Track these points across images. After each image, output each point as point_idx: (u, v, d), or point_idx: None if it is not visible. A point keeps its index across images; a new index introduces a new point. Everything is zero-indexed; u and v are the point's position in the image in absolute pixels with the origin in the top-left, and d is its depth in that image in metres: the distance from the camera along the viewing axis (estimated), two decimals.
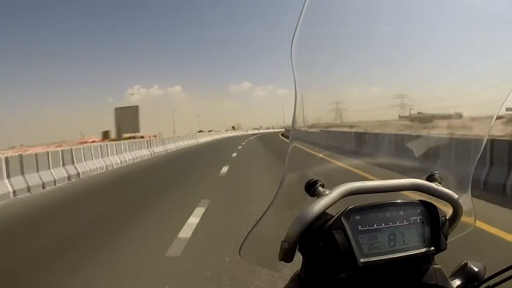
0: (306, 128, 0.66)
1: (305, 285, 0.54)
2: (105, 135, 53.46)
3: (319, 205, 0.53)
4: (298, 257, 0.56)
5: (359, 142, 8.83)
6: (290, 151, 0.60)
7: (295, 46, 0.55)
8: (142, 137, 35.23)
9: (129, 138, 31.44)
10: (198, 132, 46.03)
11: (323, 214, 0.53)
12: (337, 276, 0.53)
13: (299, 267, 0.56)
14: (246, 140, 27.51)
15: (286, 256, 0.55)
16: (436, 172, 0.61)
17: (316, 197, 0.55)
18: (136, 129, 48.13)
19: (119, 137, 44.03)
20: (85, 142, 29.90)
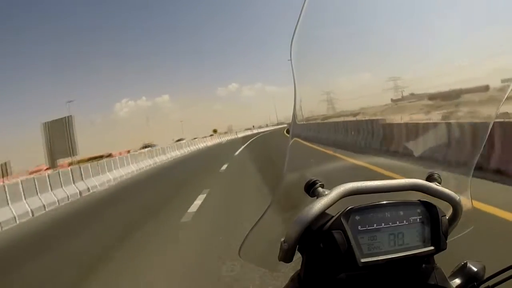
0: (305, 122, 0.67)
1: (305, 285, 0.54)
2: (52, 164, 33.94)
3: (319, 205, 0.53)
4: (298, 257, 0.56)
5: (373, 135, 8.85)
6: (290, 148, 0.60)
7: (295, 45, 0.55)
8: (110, 155, 28.93)
9: (95, 158, 23.66)
10: (177, 141, 37.96)
11: (322, 214, 0.53)
12: (337, 276, 0.53)
13: (299, 267, 0.56)
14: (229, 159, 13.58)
15: (286, 256, 0.55)
16: (436, 172, 0.61)
17: (315, 197, 0.55)
18: (73, 151, 33.61)
19: (52, 164, 32.63)
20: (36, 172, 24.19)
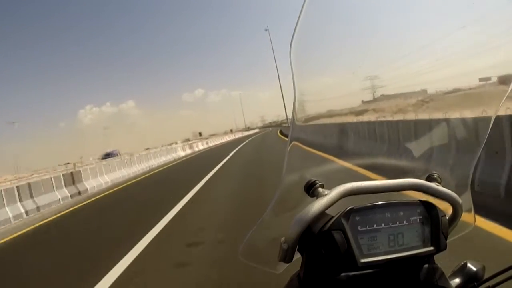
0: (305, 124, 0.66)
1: (304, 285, 0.54)
2: None
3: (319, 205, 0.52)
4: (298, 257, 0.56)
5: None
6: (289, 151, 0.60)
7: (294, 45, 0.55)
8: None
9: None
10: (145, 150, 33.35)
11: (322, 215, 0.53)
12: (337, 276, 0.53)
13: (299, 267, 0.56)
14: None
15: (286, 256, 0.55)
16: (436, 172, 0.61)
17: (315, 197, 0.55)
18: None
19: None
20: None
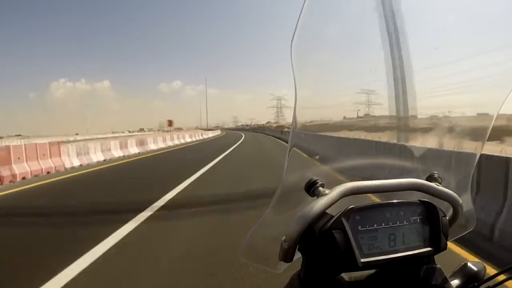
0: (305, 133, 0.64)
1: (305, 285, 0.54)
2: None
3: (319, 205, 0.52)
4: (298, 257, 0.56)
5: None
6: (290, 151, 0.59)
7: (295, 45, 0.54)
8: None
9: None
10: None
11: (323, 214, 0.53)
12: (337, 276, 0.53)
13: (299, 267, 0.56)
14: None
15: (286, 256, 0.55)
16: (436, 172, 0.61)
17: (316, 197, 0.55)
18: None
19: None
20: None
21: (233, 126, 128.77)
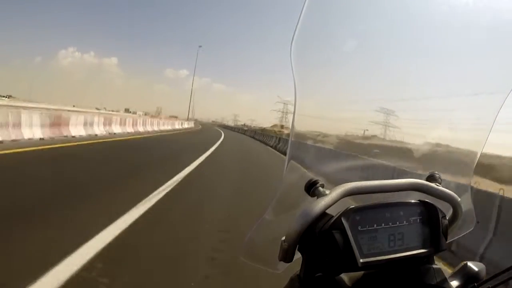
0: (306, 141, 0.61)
1: (305, 285, 0.54)
2: None
3: (319, 205, 0.53)
4: (298, 257, 0.56)
5: None
6: (290, 151, 0.59)
7: (294, 46, 0.54)
8: None
9: None
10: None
11: (323, 214, 0.53)
12: (337, 276, 0.53)
13: (299, 267, 0.57)
14: None
15: (286, 256, 0.55)
16: (436, 172, 0.61)
17: (316, 197, 0.55)
18: None
19: None
20: None
21: (233, 124, 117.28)
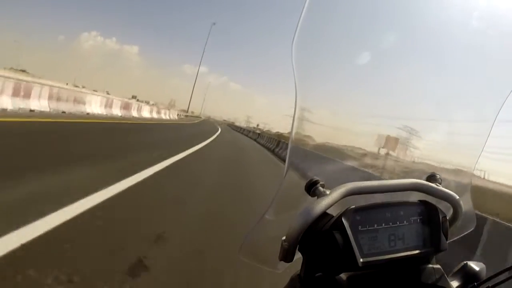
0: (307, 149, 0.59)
1: (305, 285, 0.54)
2: None
3: (320, 205, 0.53)
4: (298, 257, 0.56)
5: None
6: (290, 151, 0.59)
7: (295, 46, 0.54)
8: None
9: None
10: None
11: (323, 214, 0.53)
12: (337, 276, 0.53)
13: (299, 267, 0.57)
14: None
15: (286, 256, 0.55)
16: (437, 172, 0.61)
17: (316, 197, 0.55)
18: None
19: None
20: None
21: (244, 126, 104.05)
